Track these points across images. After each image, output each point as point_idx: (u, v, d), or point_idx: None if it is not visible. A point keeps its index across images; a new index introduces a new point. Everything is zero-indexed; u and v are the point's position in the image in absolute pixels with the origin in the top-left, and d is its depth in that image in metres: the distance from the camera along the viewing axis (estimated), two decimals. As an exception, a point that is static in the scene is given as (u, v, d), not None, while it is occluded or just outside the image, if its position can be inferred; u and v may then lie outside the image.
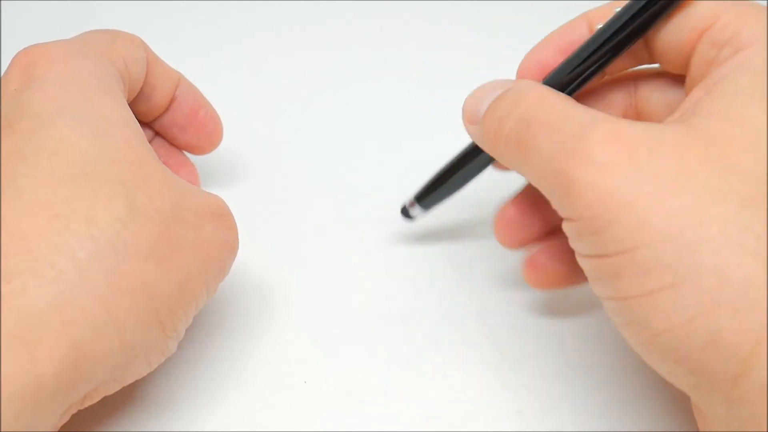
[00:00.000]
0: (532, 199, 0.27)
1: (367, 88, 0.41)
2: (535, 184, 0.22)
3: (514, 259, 0.31)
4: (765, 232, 0.18)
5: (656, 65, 0.25)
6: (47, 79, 0.24)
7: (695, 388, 0.20)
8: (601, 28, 0.24)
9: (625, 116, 0.27)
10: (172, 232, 0.22)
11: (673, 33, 0.23)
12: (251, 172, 0.36)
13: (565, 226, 0.22)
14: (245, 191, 0.35)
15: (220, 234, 0.24)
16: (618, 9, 0.24)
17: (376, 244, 0.33)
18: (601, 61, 0.24)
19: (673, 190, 0.19)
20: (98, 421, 0.25)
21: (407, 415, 0.26)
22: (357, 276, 0.31)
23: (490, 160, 0.27)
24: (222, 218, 0.25)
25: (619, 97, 0.27)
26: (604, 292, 0.21)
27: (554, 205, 0.22)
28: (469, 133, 0.26)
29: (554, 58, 0.26)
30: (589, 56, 0.24)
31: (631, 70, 0.26)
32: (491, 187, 0.30)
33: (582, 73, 0.25)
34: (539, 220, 0.27)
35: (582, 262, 0.22)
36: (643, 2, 0.23)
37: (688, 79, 0.24)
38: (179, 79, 0.31)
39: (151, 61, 0.29)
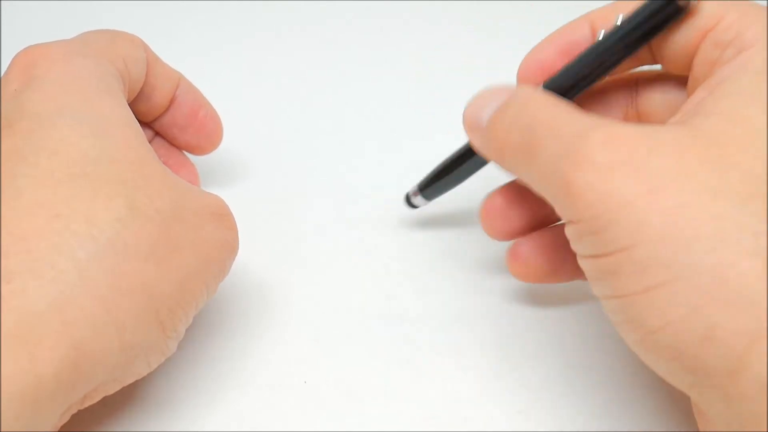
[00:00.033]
0: (518, 190, 0.27)
1: (367, 88, 0.41)
2: (539, 190, 0.22)
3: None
4: (763, 230, 0.18)
5: (658, 66, 0.25)
6: (47, 79, 0.24)
7: (693, 387, 0.20)
8: (603, 36, 0.24)
9: (627, 118, 0.27)
10: (172, 232, 0.22)
11: (676, 34, 0.23)
12: (251, 172, 0.36)
13: (567, 230, 0.22)
14: (245, 191, 0.35)
15: (220, 234, 0.24)
16: (621, 16, 0.24)
17: (376, 244, 0.33)
18: (602, 69, 0.24)
19: (672, 189, 0.19)
20: (98, 421, 0.25)
21: (407, 415, 0.26)
22: (357, 276, 0.31)
23: None
24: (222, 218, 0.25)
25: (620, 99, 0.27)
26: (603, 291, 0.21)
27: (557, 209, 0.22)
28: (471, 141, 0.26)
29: (554, 59, 0.26)
30: (590, 63, 0.24)
31: (632, 71, 0.26)
32: (495, 185, 0.30)
33: (583, 79, 0.25)
34: (525, 211, 0.27)
35: (582, 264, 0.22)
36: (646, 14, 0.23)
37: (690, 80, 0.24)
38: (179, 79, 0.31)
39: (151, 61, 0.29)
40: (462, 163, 0.29)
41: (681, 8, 0.22)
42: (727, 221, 0.19)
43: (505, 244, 0.28)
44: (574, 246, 0.22)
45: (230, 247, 0.25)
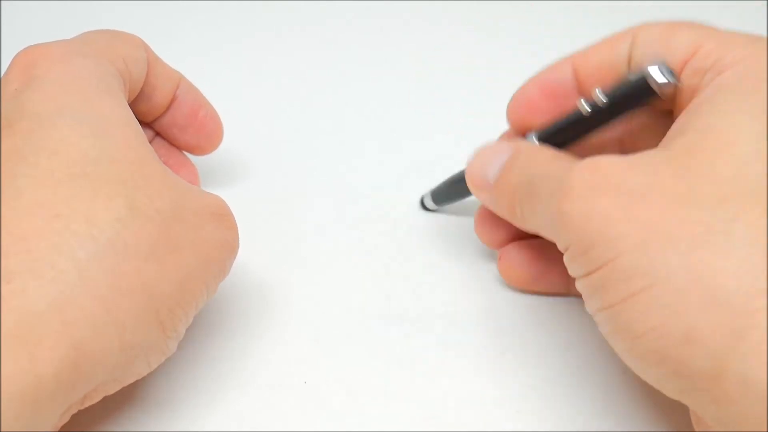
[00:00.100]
0: None
1: (367, 88, 0.41)
2: (546, 233, 0.24)
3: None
4: (733, 231, 0.19)
5: None
6: (47, 79, 0.24)
7: (682, 393, 0.20)
8: (587, 111, 0.26)
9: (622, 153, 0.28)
10: (172, 232, 0.22)
11: None
12: (251, 172, 0.36)
13: (565, 258, 0.23)
14: (245, 191, 0.35)
15: (220, 234, 0.24)
16: (599, 90, 0.25)
17: (376, 244, 0.33)
18: (587, 132, 0.26)
19: (646, 202, 0.20)
20: (98, 421, 0.25)
21: (407, 415, 0.26)
22: (357, 276, 0.31)
23: None
24: (222, 218, 0.25)
25: (610, 139, 0.28)
26: (594, 306, 0.22)
27: (557, 244, 0.23)
28: (479, 198, 0.27)
29: (539, 99, 0.28)
30: (576, 130, 0.26)
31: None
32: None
33: (572, 139, 0.27)
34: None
35: (578, 287, 0.23)
36: (624, 96, 0.25)
37: (675, 110, 0.24)
38: (179, 79, 0.31)
39: (151, 61, 0.29)
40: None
41: (657, 93, 0.23)
42: (698, 225, 0.20)
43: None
44: (571, 271, 0.23)
45: (230, 247, 0.25)
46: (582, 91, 0.27)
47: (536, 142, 0.27)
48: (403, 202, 0.34)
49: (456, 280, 0.31)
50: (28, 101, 0.23)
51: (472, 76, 0.42)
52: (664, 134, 0.23)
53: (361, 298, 0.30)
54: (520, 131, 0.29)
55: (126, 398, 0.26)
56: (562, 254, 0.23)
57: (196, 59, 0.40)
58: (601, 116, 0.25)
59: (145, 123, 0.31)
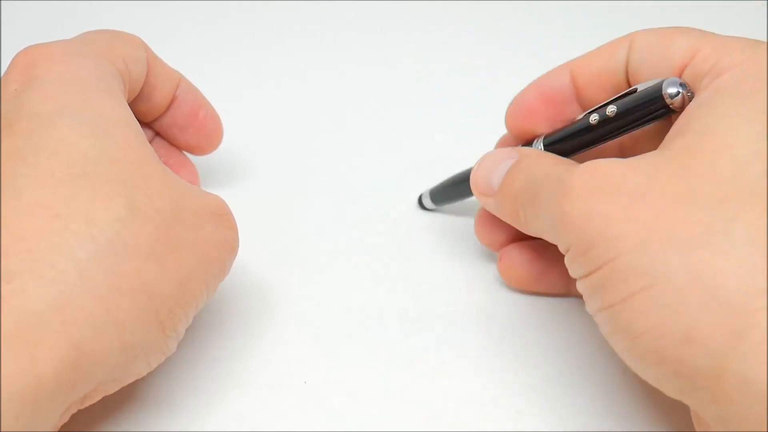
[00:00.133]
0: None
1: (367, 88, 0.41)
2: (548, 236, 0.24)
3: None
4: (733, 231, 0.19)
5: None
6: (47, 79, 0.24)
7: (684, 393, 0.20)
8: (596, 124, 0.26)
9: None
10: (172, 232, 0.22)
11: (655, 75, 0.24)
12: (251, 172, 0.36)
13: (566, 259, 0.23)
14: (245, 191, 0.35)
15: (220, 234, 0.24)
16: (614, 107, 0.25)
17: (376, 244, 0.33)
18: (593, 144, 0.26)
19: (646, 202, 0.20)
20: (98, 421, 0.25)
21: (407, 415, 0.26)
22: (357, 276, 0.31)
23: None
24: (222, 218, 0.25)
25: (608, 147, 0.28)
26: (594, 306, 0.22)
27: (559, 246, 0.23)
28: (484, 204, 0.28)
29: (538, 105, 0.28)
30: (582, 141, 0.26)
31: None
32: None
33: (578, 149, 0.27)
34: None
35: (579, 287, 0.23)
36: (636, 111, 0.24)
37: (673, 116, 0.24)
38: (179, 80, 0.31)
39: (151, 61, 0.29)
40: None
41: (670, 108, 0.23)
42: (698, 225, 0.20)
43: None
44: (572, 272, 0.23)
45: (230, 246, 0.25)
46: (580, 98, 0.27)
47: (542, 150, 0.27)
48: (403, 202, 0.35)
49: (456, 280, 0.31)
50: (28, 101, 0.23)
51: (472, 76, 0.42)
52: (663, 138, 0.23)
53: (361, 298, 0.30)
54: (518, 137, 0.29)
55: (126, 398, 0.26)
56: (562, 255, 0.23)
57: (196, 59, 0.40)
58: (609, 130, 0.25)
59: (145, 123, 0.31)
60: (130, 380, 0.23)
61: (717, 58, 0.23)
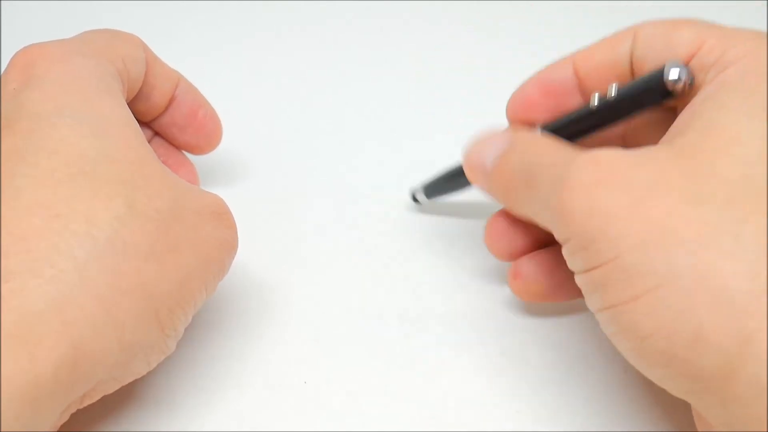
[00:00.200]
0: None
1: (367, 88, 0.41)
2: (540, 221, 0.24)
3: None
4: (742, 233, 0.19)
5: None
6: (46, 78, 0.24)
7: (690, 394, 0.20)
8: (598, 104, 0.25)
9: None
10: (171, 232, 0.22)
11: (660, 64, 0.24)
12: (251, 172, 0.36)
13: (563, 250, 0.22)
14: (245, 191, 0.35)
15: (219, 233, 0.24)
16: (615, 86, 0.25)
17: (376, 244, 0.33)
18: (593, 129, 0.26)
19: (653, 199, 0.20)
20: (97, 421, 0.25)
21: (407, 415, 0.26)
22: (357, 276, 0.31)
23: None
24: (221, 217, 0.25)
25: (611, 131, 0.27)
26: (596, 304, 0.22)
27: (554, 233, 0.23)
28: (475, 184, 0.27)
29: (539, 98, 0.27)
30: (583, 126, 0.26)
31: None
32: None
33: (577, 134, 0.26)
34: (528, 231, 0.28)
35: (578, 281, 0.22)
36: (638, 93, 0.24)
37: (678, 106, 0.24)
38: (178, 79, 0.31)
39: (150, 60, 0.29)
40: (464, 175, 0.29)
41: (671, 92, 0.23)
42: (707, 226, 0.19)
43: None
44: (570, 264, 0.22)
45: (229, 246, 0.25)
46: (583, 91, 0.27)
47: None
48: (403, 202, 0.34)
49: (456, 280, 0.31)
50: (28, 101, 0.23)
51: (472, 76, 0.42)
52: (666, 129, 0.23)
53: (361, 298, 0.30)
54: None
55: (125, 397, 0.26)
56: None
57: (196, 59, 0.40)
58: (610, 113, 0.25)
59: (144, 122, 0.31)
60: (130, 379, 0.23)
61: (722, 50, 0.22)
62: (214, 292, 0.25)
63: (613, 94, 0.24)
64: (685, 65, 0.23)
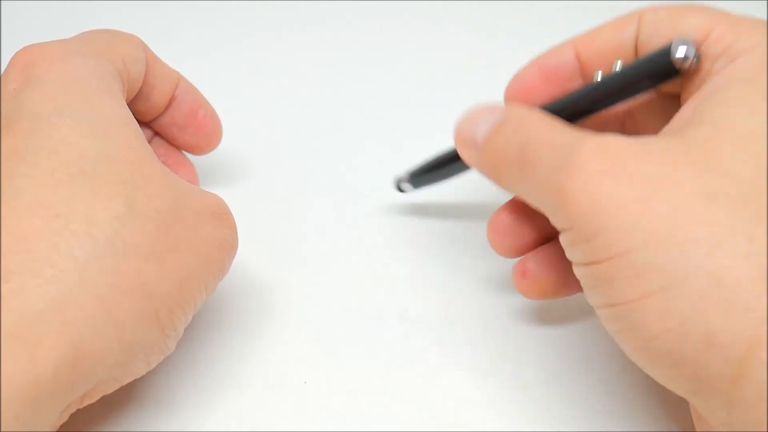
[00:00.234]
0: (523, 205, 0.27)
1: (367, 88, 0.41)
2: (534, 203, 0.23)
3: (514, 260, 0.31)
4: (756, 234, 0.19)
5: None
6: (46, 78, 0.24)
7: (695, 394, 0.20)
8: (601, 80, 0.24)
9: (623, 132, 0.27)
10: (171, 232, 0.22)
11: None
12: (251, 172, 0.36)
13: (561, 238, 0.22)
14: (245, 191, 0.35)
15: (219, 233, 0.24)
16: (620, 62, 0.24)
17: (376, 244, 0.33)
18: (596, 108, 0.25)
19: (663, 194, 0.19)
20: (97, 421, 0.25)
21: (407, 415, 0.26)
22: (357, 276, 0.31)
23: None
24: (221, 217, 0.25)
25: (615, 116, 0.27)
26: (598, 300, 0.21)
27: (551, 219, 0.22)
28: (465, 158, 0.26)
29: (539, 83, 0.26)
30: (585, 104, 0.25)
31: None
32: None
33: (578, 114, 0.25)
34: (532, 227, 0.27)
35: (577, 272, 0.22)
36: (644, 69, 0.23)
37: (683, 95, 0.24)
38: (178, 79, 0.31)
39: (150, 60, 0.29)
40: (455, 161, 0.29)
41: (678, 70, 0.22)
42: (720, 225, 0.19)
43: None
44: (569, 254, 0.22)
45: (229, 246, 0.25)
46: (585, 75, 0.26)
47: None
48: (403, 202, 0.34)
49: (456, 280, 0.31)
50: (28, 101, 0.23)
51: (472, 76, 0.42)
52: (667, 116, 0.22)
53: (361, 298, 0.30)
54: None
55: (125, 397, 0.26)
56: None
57: (196, 59, 0.40)
58: (613, 91, 0.24)
59: (144, 122, 0.31)
60: (130, 379, 0.23)
61: (731, 40, 0.22)
62: (214, 292, 0.25)
63: (617, 70, 0.24)
64: (693, 43, 0.22)
